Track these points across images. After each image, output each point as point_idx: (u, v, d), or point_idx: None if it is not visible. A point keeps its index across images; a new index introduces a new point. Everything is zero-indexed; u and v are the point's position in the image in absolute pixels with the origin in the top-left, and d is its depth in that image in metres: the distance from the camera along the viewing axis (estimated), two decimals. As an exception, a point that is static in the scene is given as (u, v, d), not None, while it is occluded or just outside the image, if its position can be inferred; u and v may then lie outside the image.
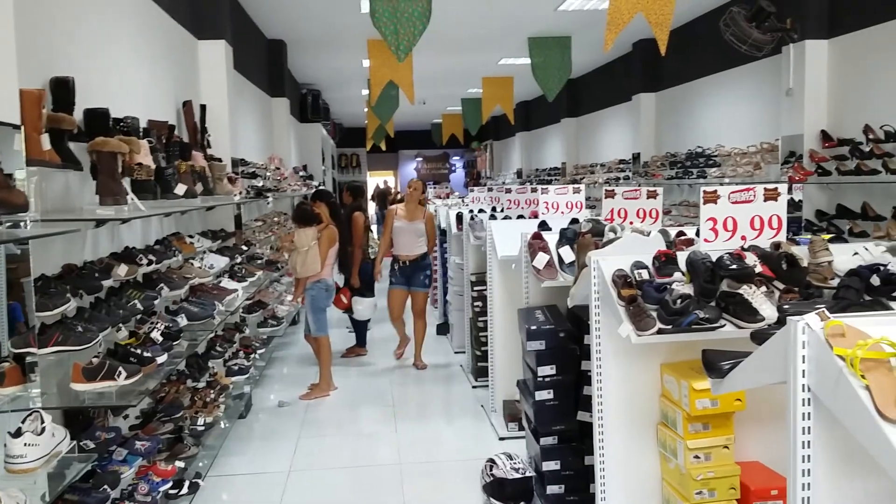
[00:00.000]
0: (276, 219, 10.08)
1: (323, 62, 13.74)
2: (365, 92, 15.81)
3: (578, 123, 16.90)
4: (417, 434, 5.71)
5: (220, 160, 6.37)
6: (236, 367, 5.93)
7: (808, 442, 1.85)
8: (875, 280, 2.62)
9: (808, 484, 1.86)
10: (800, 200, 7.84)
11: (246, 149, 8.96)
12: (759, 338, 2.14)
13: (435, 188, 17.29)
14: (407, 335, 7.76)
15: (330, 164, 19.60)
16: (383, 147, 20.65)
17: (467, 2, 9.48)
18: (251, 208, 9.22)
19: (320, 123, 15.81)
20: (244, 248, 6.96)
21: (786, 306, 2.61)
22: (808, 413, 1.85)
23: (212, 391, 5.20)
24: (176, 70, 6.49)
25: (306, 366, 7.58)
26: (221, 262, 5.82)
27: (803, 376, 1.85)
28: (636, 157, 12.66)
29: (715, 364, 2.28)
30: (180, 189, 4.56)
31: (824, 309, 1.88)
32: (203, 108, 6.68)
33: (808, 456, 1.86)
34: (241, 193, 6.86)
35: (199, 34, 7.23)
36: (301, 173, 12.75)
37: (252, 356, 6.38)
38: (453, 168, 30.41)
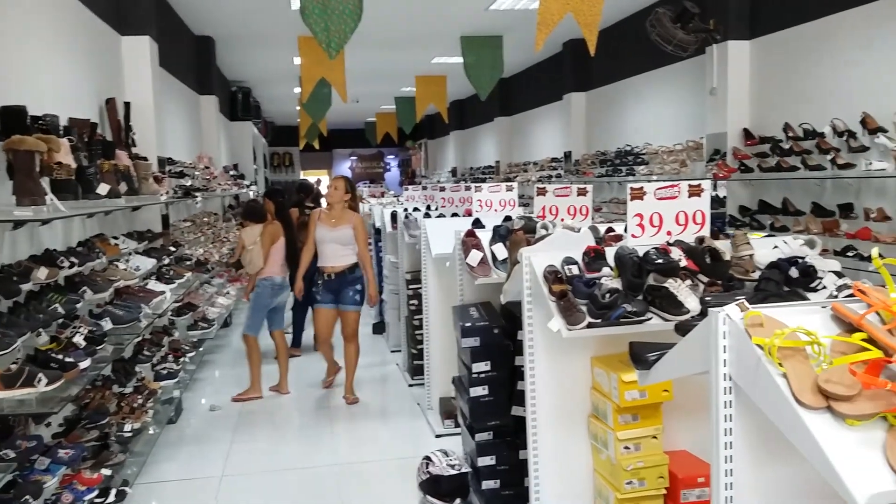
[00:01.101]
0: (205, 219, 9.87)
1: (253, 59, 13.52)
2: (297, 90, 15.62)
3: (511, 122, 17.06)
4: (353, 434, 5.68)
5: (145, 159, 6.21)
6: (165, 372, 5.78)
7: (730, 429, 1.91)
8: (794, 272, 2.72)
9: (731, 470, 1.92)
10: (724, 197, 8.08)
11: (173, 147, 8.76)
12: (683, 329, 2.19)
13: (370, 187, 17.19)
14: (336, 361, 6.74)
15: (262, 163, 19.31)
16: (317, 146, 20.40)
17: (398, 0, 9.45)
18: (179, 208, 9.01)
19: (251, 122, 15.59)
20: (172, 248, 6.80)
21: (708, 298, 2.69)
22: (730, 401, 1.91)
23: (139, 396, 5.06)
24: (98, 66, 6.29)
25: (238, 368, 7.45)
26: (148, 263, 5.68)
27: (724, 365, 1.91)
28: (567, 155, 12.84)
29: (641, 356, 2.33)
30: (103, 189, 4.43)
31: (744, 300, 1.94)
32: (127, 105, 6.49)
33: (730, 443, 1.91)
34: (168, 193, 6.69)
35: (122, 30, 7.03)
36: (231, 172, 12.54)
37: (182, 360, 6.24)
38: (388, 167, 30.38)
